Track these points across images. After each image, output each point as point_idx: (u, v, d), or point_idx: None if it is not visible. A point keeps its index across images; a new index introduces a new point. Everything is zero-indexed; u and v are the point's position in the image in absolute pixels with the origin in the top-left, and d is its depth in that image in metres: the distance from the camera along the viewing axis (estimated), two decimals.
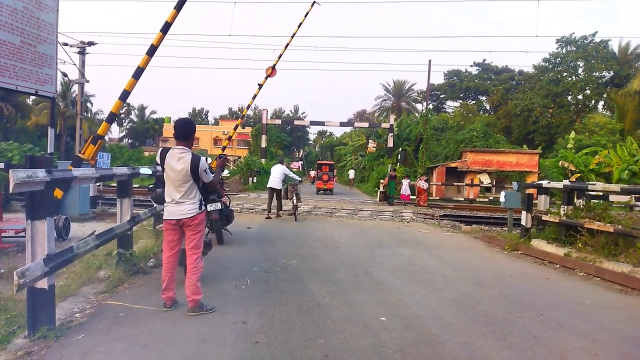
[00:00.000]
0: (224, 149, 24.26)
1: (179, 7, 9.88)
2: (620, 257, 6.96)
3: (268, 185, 13.40)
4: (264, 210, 14.00)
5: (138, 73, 9.56)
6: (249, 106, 31.55)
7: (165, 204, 4.55)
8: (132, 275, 5.75)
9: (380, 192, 23.07)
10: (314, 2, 19.55)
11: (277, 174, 13.10)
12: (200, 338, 3.84)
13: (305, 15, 19.88)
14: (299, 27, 19.91)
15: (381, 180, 29.97)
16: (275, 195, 13.24)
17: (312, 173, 38.68)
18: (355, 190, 38.56)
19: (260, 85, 22.24)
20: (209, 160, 6.16)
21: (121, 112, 74.12)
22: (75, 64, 17.56)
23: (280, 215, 13.33)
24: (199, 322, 4.21)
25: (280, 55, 20.25)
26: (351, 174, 42.68)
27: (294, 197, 12.87)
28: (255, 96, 24.74)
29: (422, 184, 21.24)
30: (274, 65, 20.54)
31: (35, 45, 9.55)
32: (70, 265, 4.98)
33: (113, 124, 11.18)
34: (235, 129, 26.95)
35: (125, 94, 10.17)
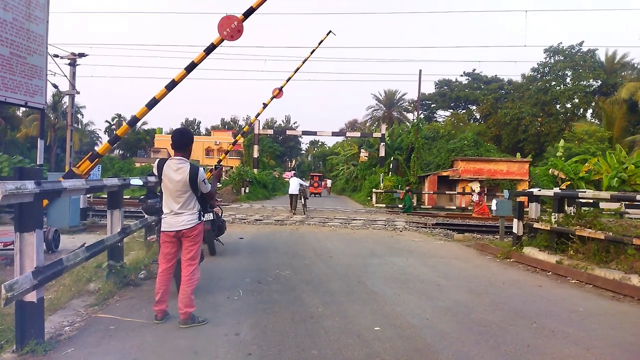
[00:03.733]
0: (219, 162, 24.31)
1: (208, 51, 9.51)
2: (612, 264, 7.00)
3: (289, 192, 19.32)
4: (256, 220, 15.19)
5: (152, 103, 9.40)
6: (251, 123, 31.82)
7: (163, 216, 4.51)
8: (122, 287, 5.69)
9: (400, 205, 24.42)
10: (330, 32, 20.61)
11: (295, 184, 19.12)
12: (192, 350, 3.79)
13: (319, 43, 20.67)
14: (311, 53, 20.68)
15: (372, 188, 30.15)
16: (293, 198, 18.97)
17: (307, 183, 45.15)
18: (335, 195, 40.24)
19: (265, 105, 23.17)
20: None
21: (112, 123, 73.95)
22: (65, 76, 17.48)
23: (304, 212, 18.89)
24: (190, 335, 4.16)
25: (289, 78, 20.89)
26: (329, 183, 50.90)
27: (303, 198, 19.29)
28: (258, 114, 25.82)
29: (474, 197, 23.55)
30: (282, 87, 21.10)
31: (24, 57, 9.51)
32: (60, 277, 4.91)
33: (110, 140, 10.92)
34: (233, 144, 27.42)
35: (134, 120, 10.08)
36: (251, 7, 9.21)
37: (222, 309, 4.99)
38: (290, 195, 19.19)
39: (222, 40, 9.17)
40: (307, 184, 21.01)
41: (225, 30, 9.01)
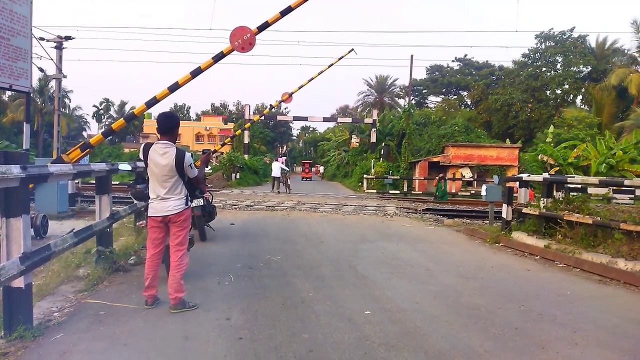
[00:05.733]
0: (214, 151, 24.30)
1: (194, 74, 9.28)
2: (599, 248, 7.10)
3: (272, 175, 23.62)
4: (247, 206, 15.20)
5: (151, 103, 9.22)
6: (253, 122, 31.81)
7: (149, 201, 4.46)
8: (112, 273, 5.65)
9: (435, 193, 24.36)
10: (352, 49, 20.97)
11: (277, 168, 23.17)
12: (182, 335, 3.79)
13: (339, 59, 21.13)
14: (329, 66, 21.06)
15: (364, 173, 30.22)
16: (275, 180, 23.11)
17: (299, 169, 51.41)
18: (326, 181, 43.12)
19: (272, 107, 23.85)
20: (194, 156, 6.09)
21: (100, 108, 72.98)
22: (52, 59, 17.12)
23: (285, 191, 22.67)
24: (181, 320, 4.15)
25: (302, 86, 21.14)
26: (321, 169, 56.27)
27: (286, 180, 23.21)
28: (262, 115, 27.04)
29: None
30: (292, 93, 21.46)
31: (8, 39, 9.28)
32: (49, 263, 4.88)
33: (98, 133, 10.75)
34: (232, 137, 28.00)
35: (131, 117, 9.97)
36: (266, 21, 9.17)
37: (213, 294, 4.99)
38: (273, 177, 23.61)
39: (232, 50, 9.06)
40: (288, 168, 25.33)
41: (237, 41, 8.92)
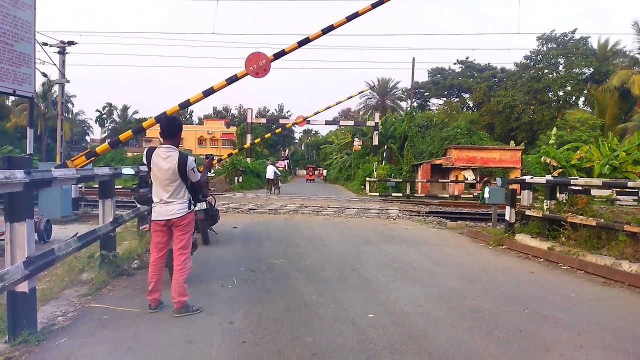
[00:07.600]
0: (219, 159, 24.45)
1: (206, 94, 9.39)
2: (603, 250, 7.07)
3: (266, 177, 26.86)
4: (250, 209, 15.35)
5: (159, 118, 9.24)
6: (264, 138, 32.94)
7: (153, 205, 4.47)
8: (115, 277, 5.66)
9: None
10: (373, 86, 22.85)
11: (270, 171, 26.01)
12: (186, 339, 3.79)
13: (359, 93, 22.98)
14: (347, 98, 22.57)
15: (366, 176, 30.21)
16: (269, 182, 26.40)
17: (303, 171, 55.27)
18: (329, 184, 43.50)
19: (285, 127, 25.51)
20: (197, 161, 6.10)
21: (102, 112, 73.22)
22: (55, 64, 17.18)
23: (273, 192, 25.65)
24: (184, 323, 4.15)
25: (317, 112, 22.44)
26: (324, 172, 59.20)
27: (277, 182, 26.63)
28: (277, 132, 29.05)
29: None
30: (306, 118, 23.16)
31: (12, 44, 9.33)
32: (52, 268, 4.88)
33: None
34: (241, 150, 29.34)
35: (139, 129, 10.02)
36: (283, 50, 9.37)
37: (217, 298, 4.99)
38: (267, 179, 26.80)
39: (246, 74, 9.17)
40: (279, 172, 28.83)
41: (252, 66, 9.02)
